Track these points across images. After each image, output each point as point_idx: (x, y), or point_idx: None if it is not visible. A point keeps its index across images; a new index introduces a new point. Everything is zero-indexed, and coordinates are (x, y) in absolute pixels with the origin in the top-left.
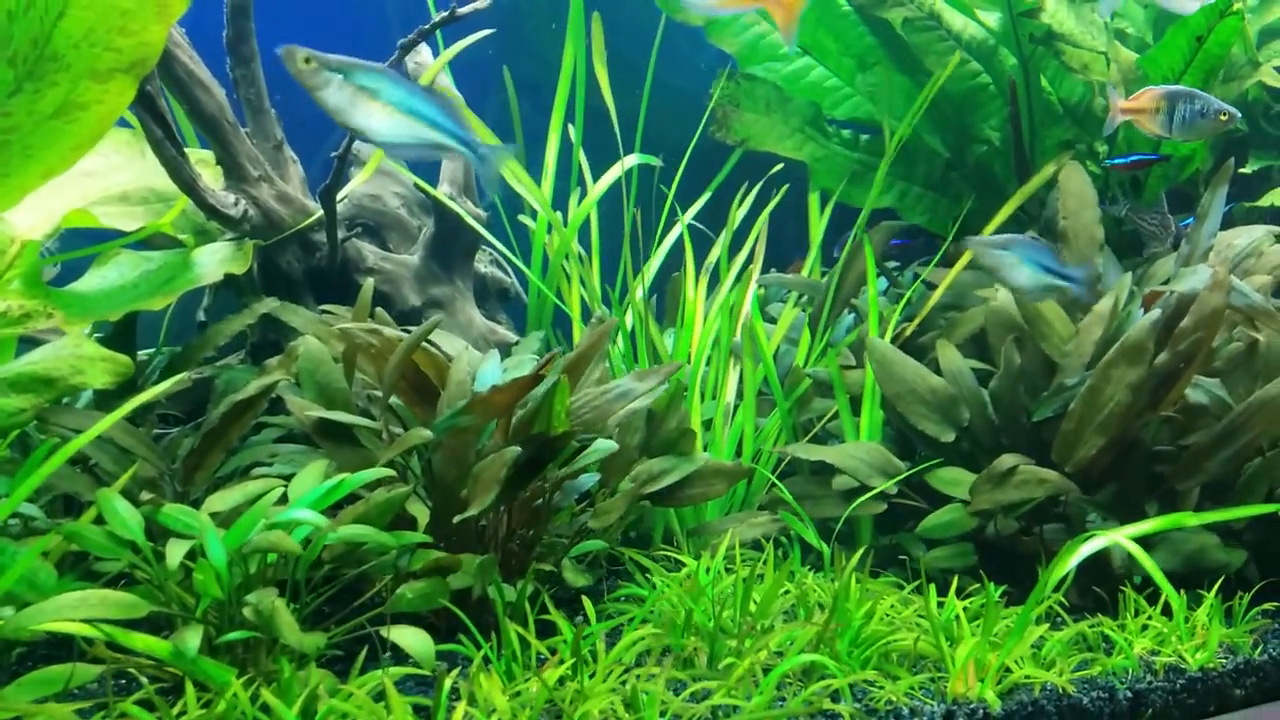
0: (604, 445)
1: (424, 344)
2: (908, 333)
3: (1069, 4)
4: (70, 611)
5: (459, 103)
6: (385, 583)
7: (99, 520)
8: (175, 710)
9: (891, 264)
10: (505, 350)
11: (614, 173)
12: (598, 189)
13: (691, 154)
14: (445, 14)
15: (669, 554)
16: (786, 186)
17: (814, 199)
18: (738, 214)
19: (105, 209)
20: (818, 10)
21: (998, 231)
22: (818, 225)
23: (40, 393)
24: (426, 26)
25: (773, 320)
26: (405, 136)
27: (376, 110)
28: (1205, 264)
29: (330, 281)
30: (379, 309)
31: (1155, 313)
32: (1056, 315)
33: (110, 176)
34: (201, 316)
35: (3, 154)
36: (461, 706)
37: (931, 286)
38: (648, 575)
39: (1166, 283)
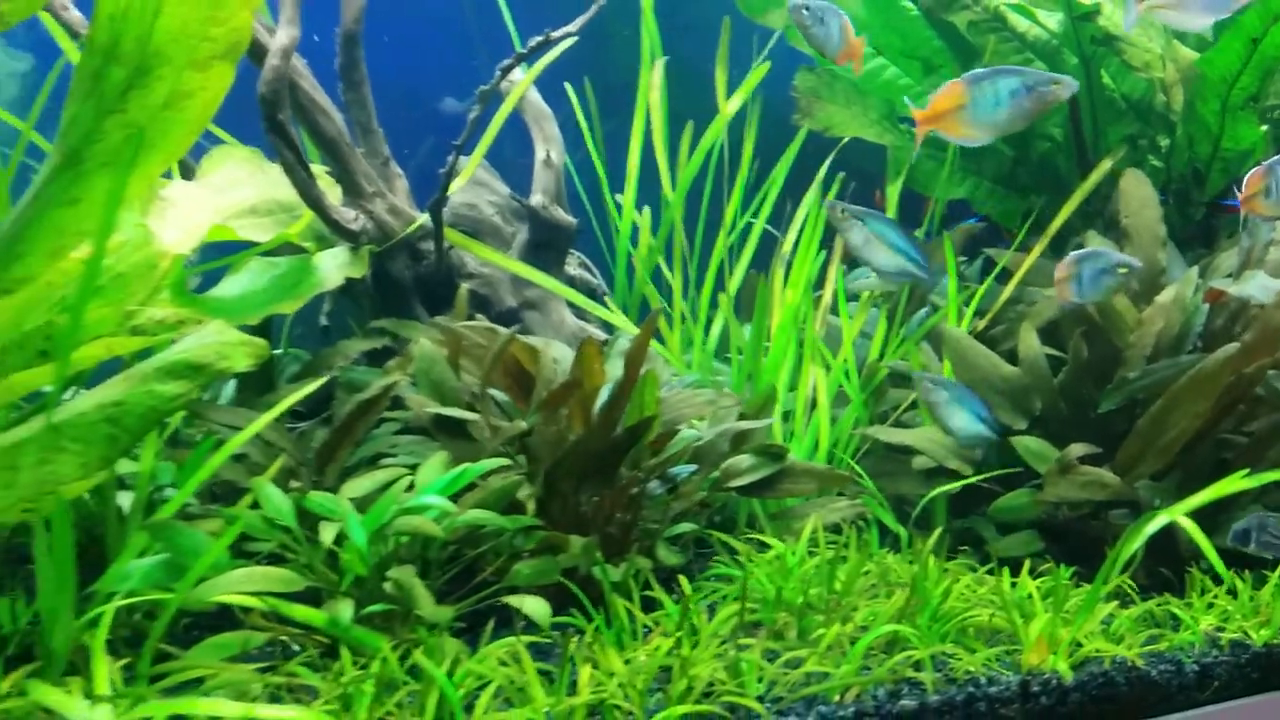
0: (690, 434)
1: (524, 341)
2: (980, 326)
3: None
4: (240, 585)
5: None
6: (499, 562)
7: (254, 505)
8: (335, 671)
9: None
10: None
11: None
12: (677, 190)
13: (759, 155)
14: (540, 39)
15: (753, 537)
16: (841, 176)
17: (893, 190)
18: (803, 213)
19: (239, 222)
20: (885, 14)
21: (1063, 229)
22: (892, 213)
23: (192, 378)
24: (524, 50)
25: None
26: (893, 267)
27: (880, 248)
28: (1263, 270)
29: (435, 286)
30: (477, 313)
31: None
32: (1126, 307)
33: (237, 191)
34: (324, 321)
35: (126, 148)
36: (586, 669)
37: (1001, 280)
38: (735, 556)
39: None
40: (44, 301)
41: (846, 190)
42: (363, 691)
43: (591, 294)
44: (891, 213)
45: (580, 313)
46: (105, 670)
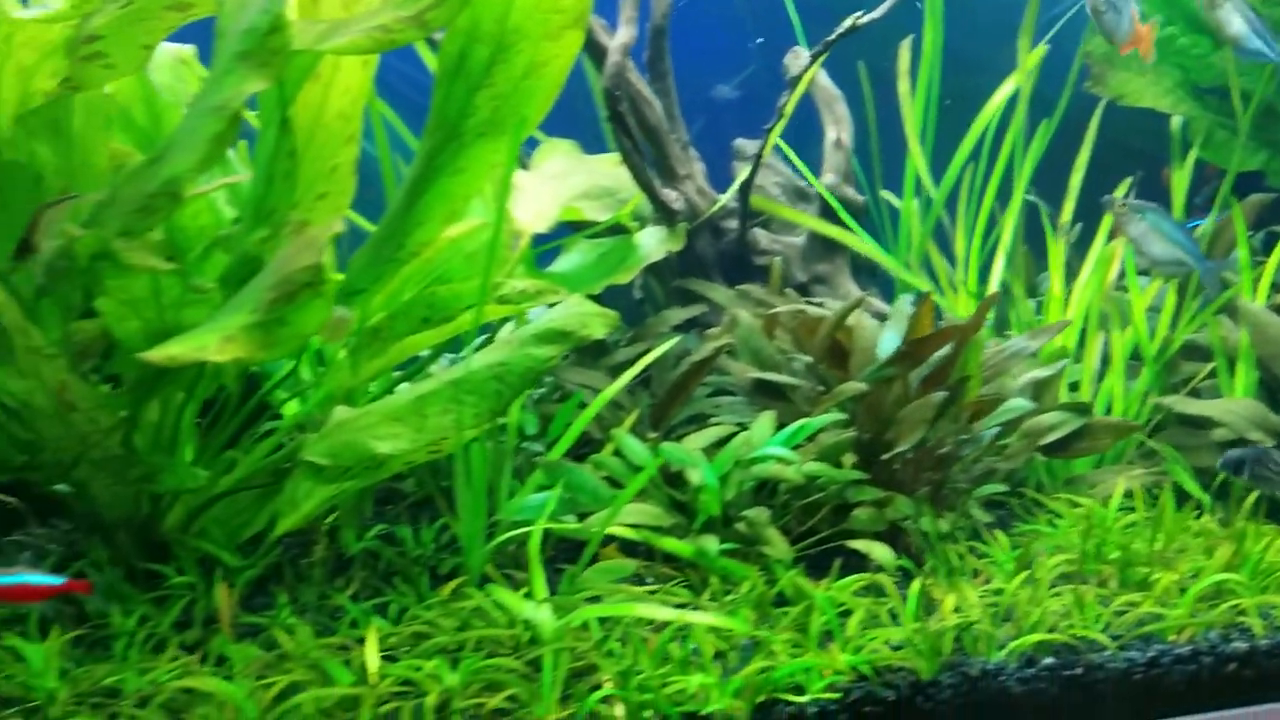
0: (1019, 404)
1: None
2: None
3: None
4: (623, 519)
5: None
6: (822, 514)
7: (615, 453)
8: (704, 596)
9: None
10: (880, 318)
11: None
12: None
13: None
14: (848, 26)
15: (1062, 497)
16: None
17: (1180, 171)
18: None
19: (580, 204)
20: None
21: None
22: (1182, 184)
23: (560, 343)
24: (831, 38)
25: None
26: (1169, 258)
27: (1157, 240)
28: None
29: (733, 262)
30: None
31: None
32: None
33: (569, 179)
34: (638, 294)
35: (496, 117)
36: (949, 598)
37: None
38: (1036, 515)
39: None
40: (422, 273)
41: (1129, 176)
42: (743, 611)
43: (872, 268)
44: (1182, 190)
45: (862, 285)
46: (542, 579)
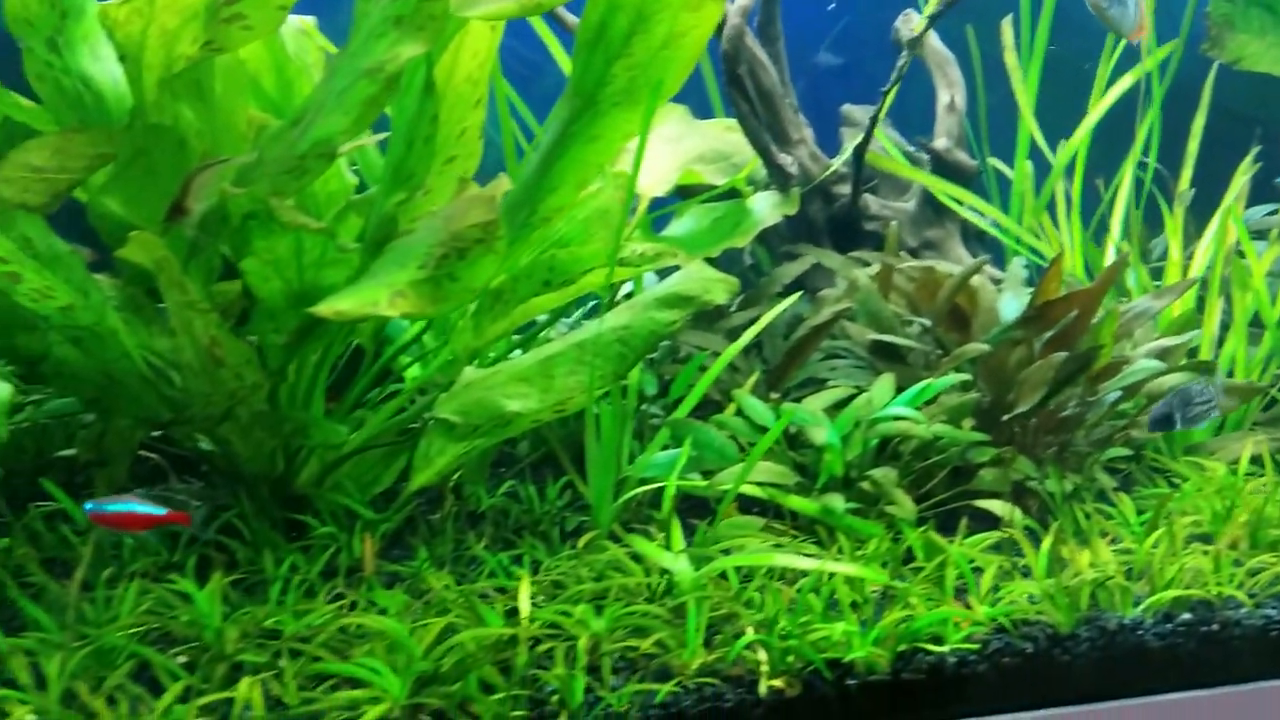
0: (1149, 365)
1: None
2: None
3: None
4: (751, 476)
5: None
6: (941, 475)
7: (737, 414)
8: (831, 552)
9: None
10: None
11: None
12: (1078, 134)
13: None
14: None
15: (1167, 464)
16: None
17: None
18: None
19: (697, 168)
20: None
21: None
22: None
23: (683, 307)
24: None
25: None
26: None
27: None
28: None
29: (842, 227)
30: (879, 253)
31: None
32: None
33: (685, 142)
34: (748, 259)
35: (632, 86)
36: (1084, 555)
37: None
38: (1157, 480)
39: None
40: (542, 236)
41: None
42: (874, 566)
43: (980, 234)
44: None
45: (972, 250)
46: (679, 531)
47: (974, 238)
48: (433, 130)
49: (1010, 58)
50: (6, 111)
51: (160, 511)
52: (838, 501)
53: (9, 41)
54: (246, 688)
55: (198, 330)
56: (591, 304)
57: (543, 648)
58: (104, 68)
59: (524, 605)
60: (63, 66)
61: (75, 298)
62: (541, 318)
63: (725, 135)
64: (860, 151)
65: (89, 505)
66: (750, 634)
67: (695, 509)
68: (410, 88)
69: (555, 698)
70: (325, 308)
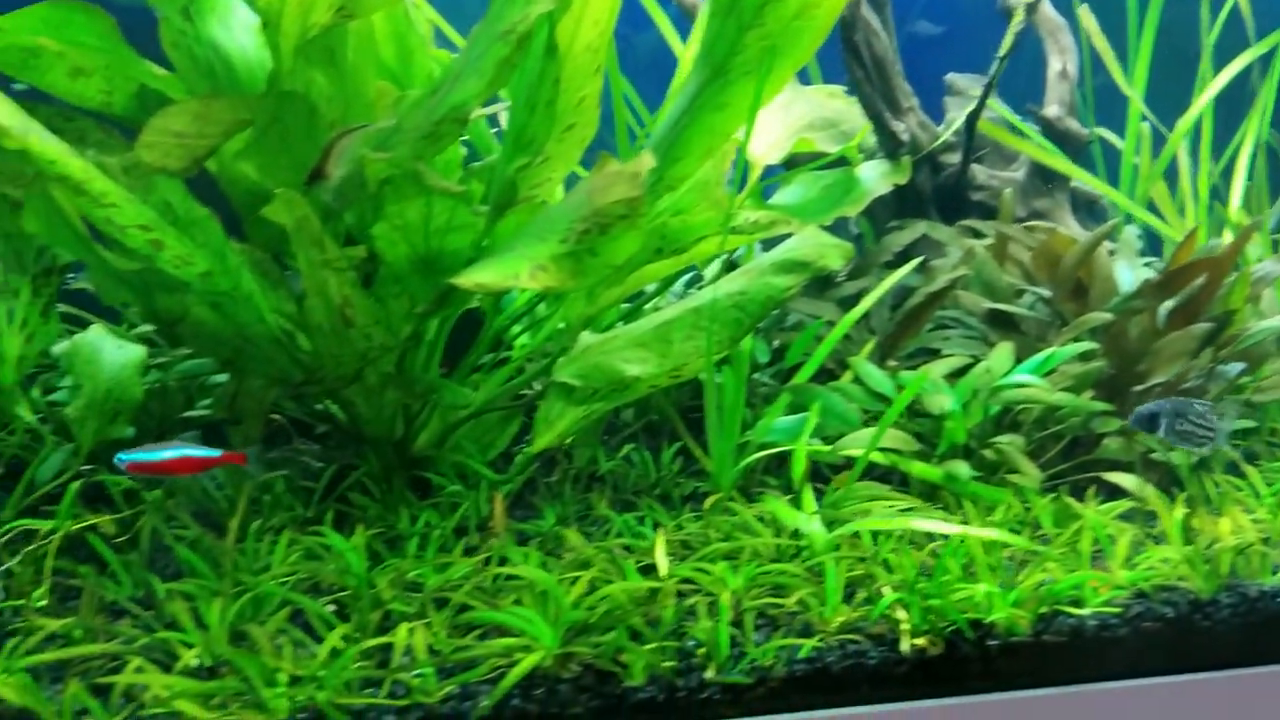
0: (1271, 325)
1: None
2: None
3: None
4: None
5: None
6: (1060, 445)
7: (854, 381)
8: (956, 519)
9: None
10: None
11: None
12: (1200, 102)
13: None
14: None
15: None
16: None
17: None
18: None
19: (809, 135)
20: None
21: None
22: None
23: (799, 273)
24: None
25: None
26: None
27: None
28: None
29: (949, 197)
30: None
31: None
32: None
33: (794, 109)
34: (854, 229)
35: (768, 55)
36: (1225, 522)
37: None
38: (1276, 455)
39: None
40: (658, 205)
41: None
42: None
43: (1090, 204)
44: None
45: (1081, 221)
46: (810, 494)
47: (1083, 208)
48: (554, 94)
49: (1100, 42)
50: (142, 79)
51: (215, 453)
52: (962, 468)
53: (145, 11)
54: (405, 633)
55: (331, 289)
56: (691, 274)
57: (686, 603)
58: (232, 36)
59: (661, 562)
60: (195, 35)
61: (214, 263)
62: (650, 287)
63: (829, 102)
64: (973, 120)
65: (121, 456)
66: (891, 594)
67: (814, 474)
68: (532, 53)
69: (701, 650)
70: (466, 279)
